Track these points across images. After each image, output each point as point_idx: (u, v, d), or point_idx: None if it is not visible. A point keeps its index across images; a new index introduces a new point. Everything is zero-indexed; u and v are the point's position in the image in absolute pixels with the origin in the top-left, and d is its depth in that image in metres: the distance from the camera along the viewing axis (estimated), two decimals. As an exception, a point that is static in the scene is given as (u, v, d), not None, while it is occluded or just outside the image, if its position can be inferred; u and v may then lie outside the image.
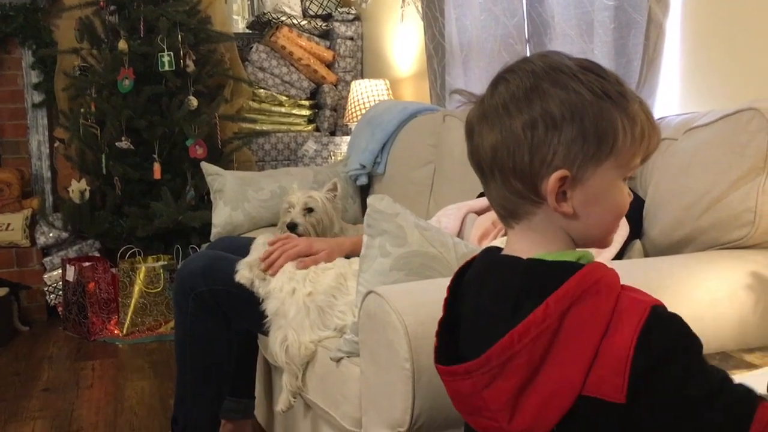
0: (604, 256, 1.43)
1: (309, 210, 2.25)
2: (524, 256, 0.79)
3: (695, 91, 1.87)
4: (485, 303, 0.81)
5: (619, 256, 1.48)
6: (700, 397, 0.70)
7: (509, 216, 0.82)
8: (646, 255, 1.54)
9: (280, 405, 1.55)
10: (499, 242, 1.55)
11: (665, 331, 0.71)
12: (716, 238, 1.38)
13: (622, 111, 0.77)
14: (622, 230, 1.49)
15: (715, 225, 1.37)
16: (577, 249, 0.82)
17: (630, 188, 1.68)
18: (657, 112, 1.89)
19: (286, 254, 1.66)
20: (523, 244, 0.81)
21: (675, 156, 1.54)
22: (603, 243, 0.84)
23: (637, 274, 1.27)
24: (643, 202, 1.60)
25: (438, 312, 1.10)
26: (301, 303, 1.55)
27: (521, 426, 0.74)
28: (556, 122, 0.75)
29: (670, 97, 1.92)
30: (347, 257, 1.69)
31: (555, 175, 0.76)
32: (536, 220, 0.80)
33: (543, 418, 0.73)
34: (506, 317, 0.75)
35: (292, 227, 2.21)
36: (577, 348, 0.72)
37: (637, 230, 1.55)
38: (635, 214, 1.56)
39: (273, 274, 1.64)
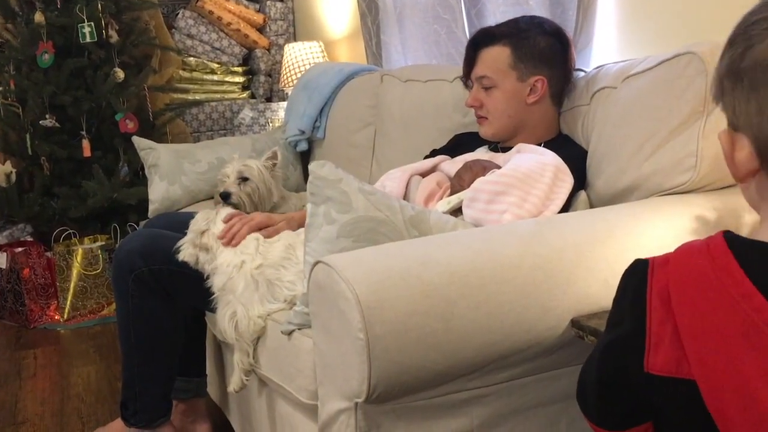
0: (551, 209, 1.43)
1: (244, 179, 2.18)
2: None
3: (632, 37, 1.86)
4: None
5: (565, 208, 1.48)
6: None
7: None
8: (592, 206, 1.54)
9: (233, 385, 1.51)
10: (445, 202, 1.53)
11: None
12: (660, 185, 1.38)
13: None
14: (567, 182, 1.48)
15: (658, 171, 1.38)
16: None
17: (571, 138, 1.69)
18: (594, 61, 1.89)
19: (247, 225, 1.62)
20: None
21: (615, 104, 1.53)
22: None
23: (586, 225, 1.27)
24: (586, 152, 1.60)
25: (389, 279, 1.08)
26: (249, 276, 1.51)
27: None
28: None
29: (607, 44, 1.91)
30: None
31: None
32: None
33: None
34: None
35: (225, 196, 2.14)
36: None
37: (581, 181, 1.55)
38: (578, 164, 1.56)
39: (235, 245, 1.59)
